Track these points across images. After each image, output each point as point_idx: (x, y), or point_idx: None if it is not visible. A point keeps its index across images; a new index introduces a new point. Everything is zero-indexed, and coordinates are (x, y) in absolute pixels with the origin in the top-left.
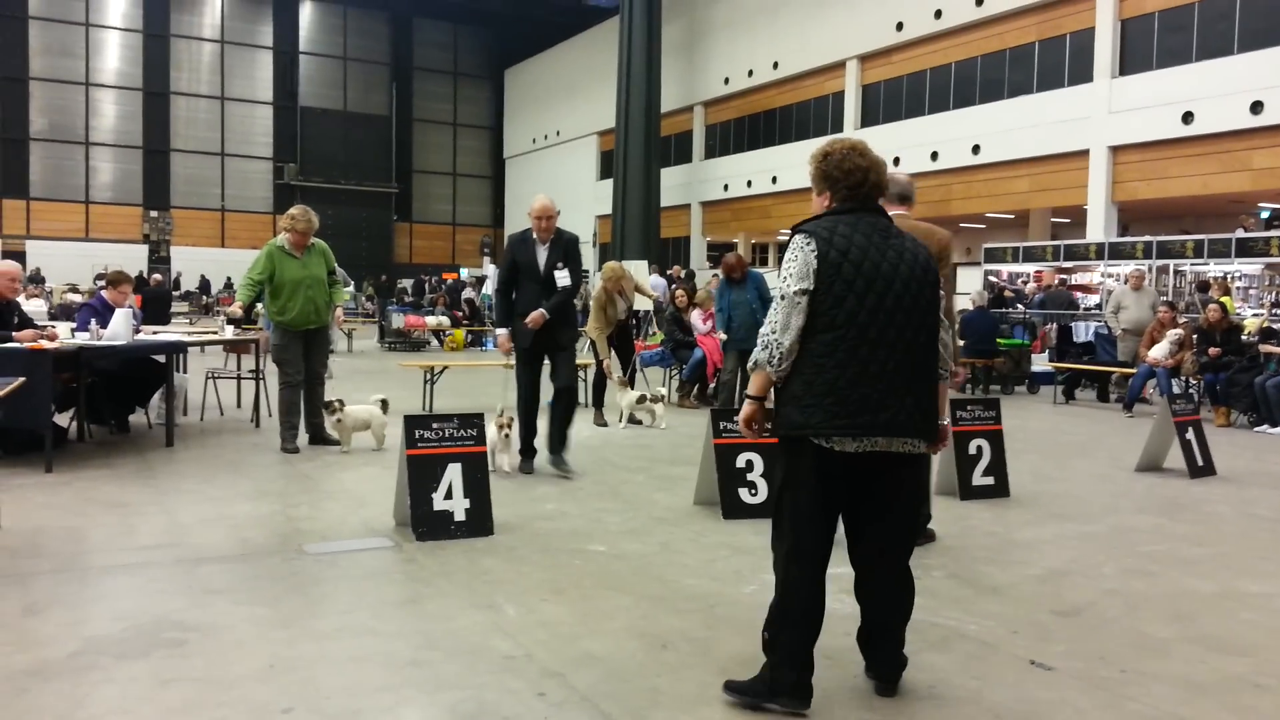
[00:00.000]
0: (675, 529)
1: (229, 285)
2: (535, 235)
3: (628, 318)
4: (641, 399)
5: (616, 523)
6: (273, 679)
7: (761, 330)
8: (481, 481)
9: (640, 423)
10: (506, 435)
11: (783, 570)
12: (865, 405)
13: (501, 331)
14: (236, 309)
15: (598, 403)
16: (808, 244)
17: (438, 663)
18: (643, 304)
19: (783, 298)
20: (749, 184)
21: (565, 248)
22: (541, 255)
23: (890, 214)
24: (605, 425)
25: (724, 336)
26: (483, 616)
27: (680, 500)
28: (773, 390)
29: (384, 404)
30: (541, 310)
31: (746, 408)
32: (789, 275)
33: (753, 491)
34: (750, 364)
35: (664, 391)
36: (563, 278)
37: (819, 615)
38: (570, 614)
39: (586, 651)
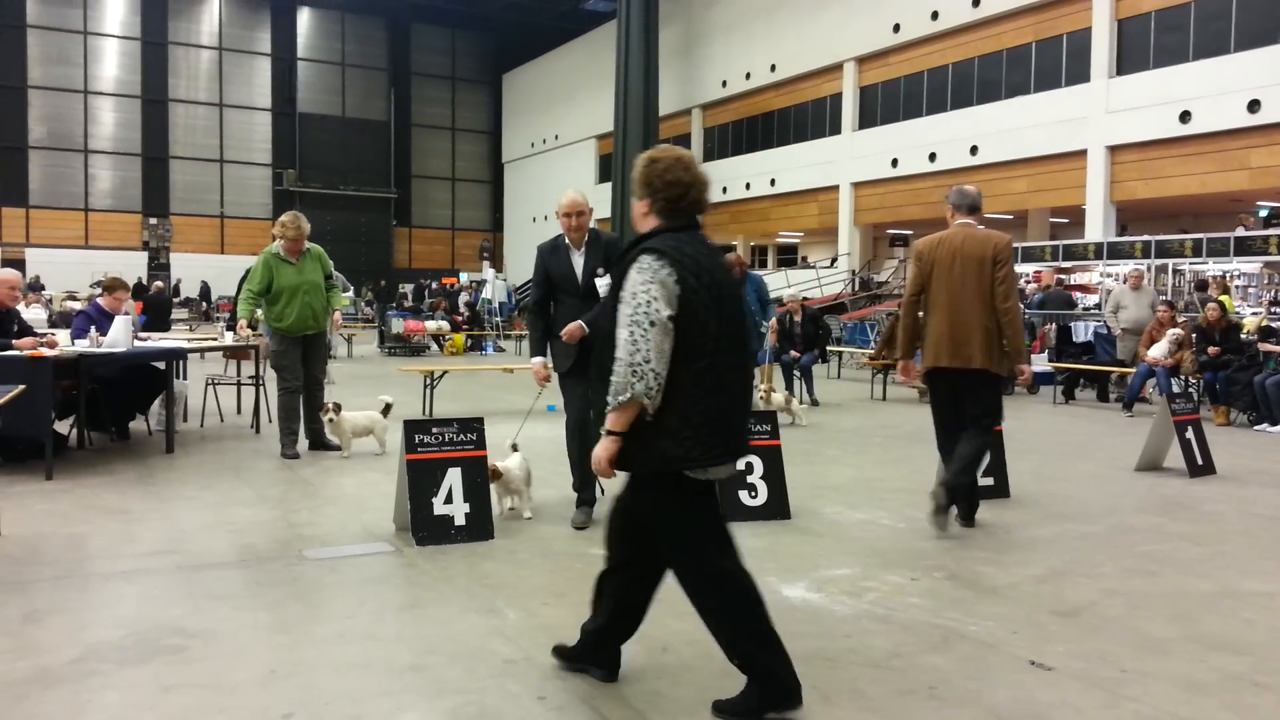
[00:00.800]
0: None
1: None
2: (567, 240)
3: None
4: None
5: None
6: (273, 684)
7: (624, 359)
8: (481, 486)
9: None
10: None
11: (715, 591)
12: (731, 431)
13: (535, 361)
14: (244, 329)
15: None
16: (663, 267)
17: (438, 667)
18: None
19: (652, 324)
20: (747, 186)
21: (605, 250)
22: (578, 263)
23: (959, 223)
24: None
25: None
26: (483, 621)
27: None
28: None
29: (387, 407)
30: (579, 322)
31: (611, 445)
32: (654, 299)
33: (752, 494)
34: (619, 398)
35: None
36: (605, 285)
37: (766, 616)
38: (571, 618)
39: None
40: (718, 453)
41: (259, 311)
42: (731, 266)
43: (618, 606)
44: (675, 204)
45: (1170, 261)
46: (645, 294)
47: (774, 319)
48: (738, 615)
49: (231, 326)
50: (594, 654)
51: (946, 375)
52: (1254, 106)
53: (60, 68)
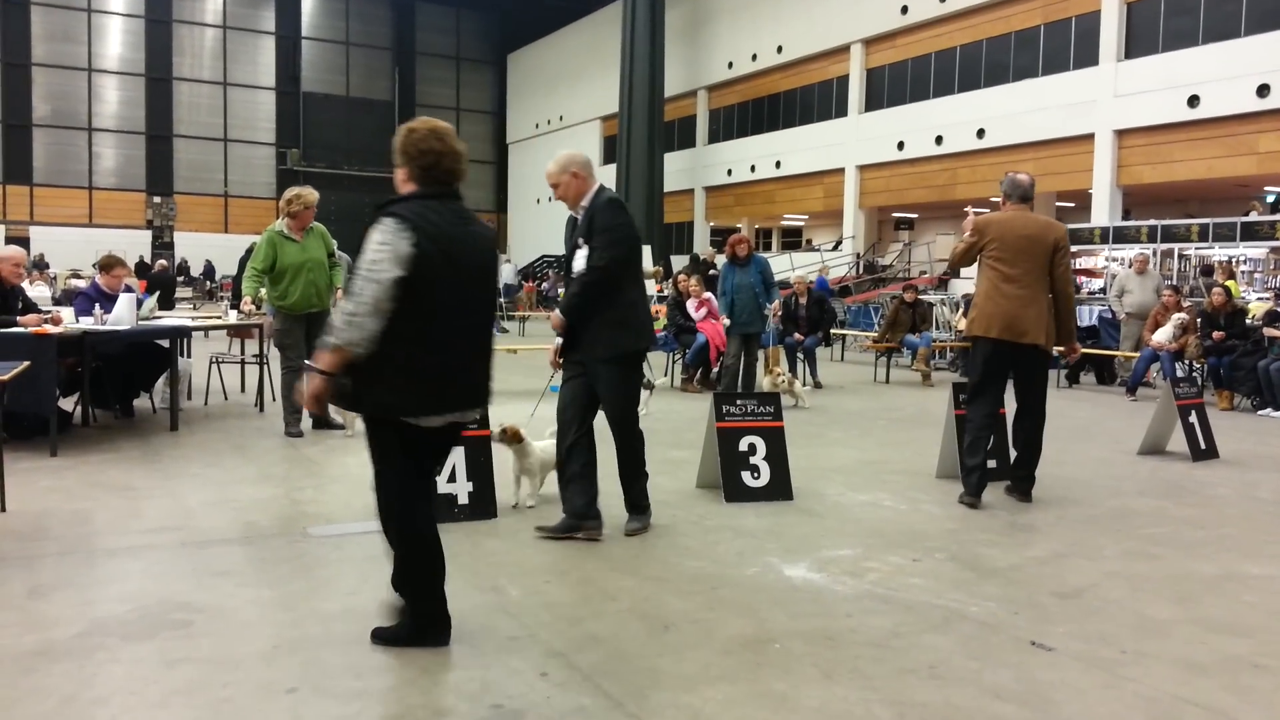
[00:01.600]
0: (677, 512)
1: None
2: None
3: None
4: None
5: (619, 506)
6: (277, 659)
7: (346, 308)
8: (484, 465)
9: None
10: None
11: (397, 529)
12: (450, 385)
13: (555, 342)
14: (248, 307)
15: None
16: (401, 230)
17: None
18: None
19: (376, 281)
20: (753, 169)
21: (591, 217)
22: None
23: (1012, 210)
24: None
25: (728, 321)
26: (486, 598)
27: (683, 484)
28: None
29: None
30: (556, 313)
31: (317, 382)
32: (382, 259)
33: (755, 475)
34: (330, 341)
35: (651, 378)
36: (580, 261)
37: (441, 556)
38: (573, 596)
39: (589, 632)
40: (432, 404)
41: (263, 290)
42: (737, 244)
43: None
44: (429, 171)
45: (1176, 246)
46: (377, 253)
47: (778, 301)
48: (414, 558)
49: (235, 305)
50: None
51: (1001, 349)
52: (1263, 91)
53: (64, 45)
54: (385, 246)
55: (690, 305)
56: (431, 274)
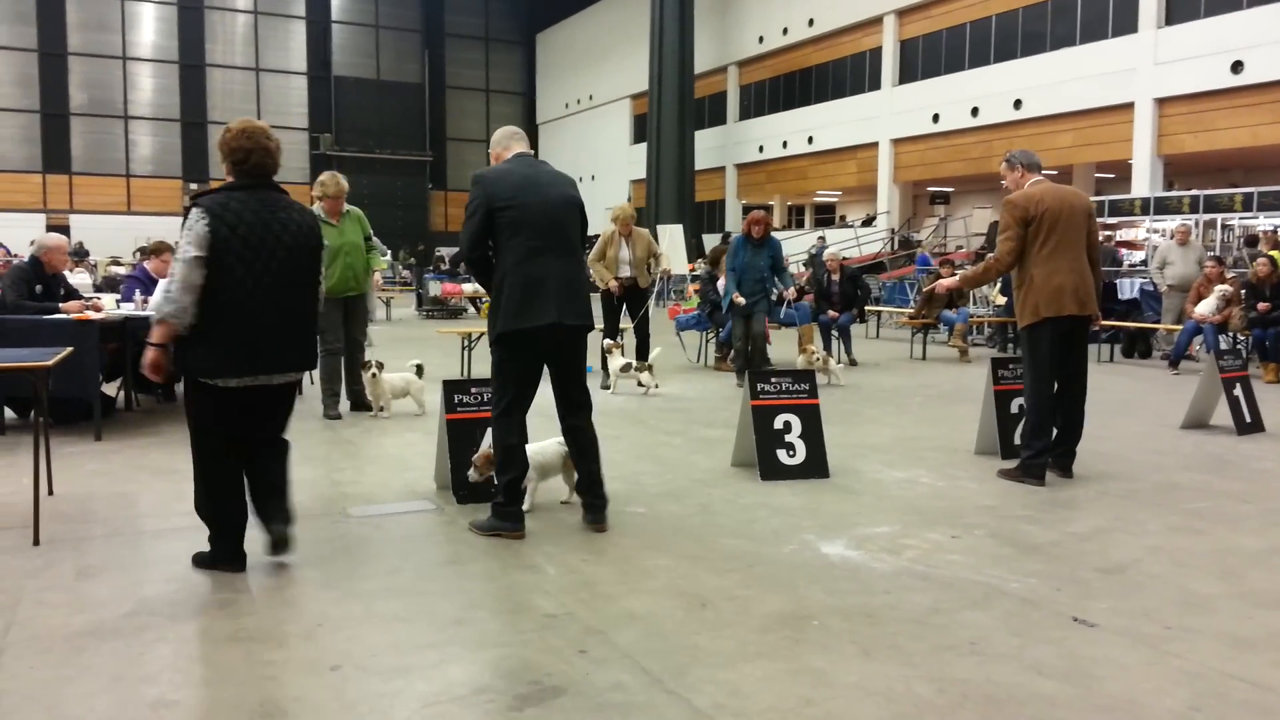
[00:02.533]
0: (713, 490)
1: None
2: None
3: (638, 281)
4: (626, 366)
5: (655, 485)
6: (320, 637)
7: (162, 285)
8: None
9: (643, 387)
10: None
11: (203, 472)
12: (252, 351)
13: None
14: None
15: (605, 366)
16: (202, 218)
17: (481, 621)
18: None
19: (183, 261)
20: (784, 145)
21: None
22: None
23: (1030, 182)
24: (609, 389)
25: (734, 299)
26: (524, 577)
27: (718, 462)
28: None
29: (419, 369)
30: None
31: (152, 354)
32: (189, 243)
33: (790, 453)
34: (153, 315)
35: (654, 356)
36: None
37: (241, 497)
38: (610, 574)
39: (627, 610)
40: (232, 368)
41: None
42: (754, 223)
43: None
44: (239, 166)
45: (1219, 216)
46: (184, 238)
47: (790, 287)
48: (216, 497)
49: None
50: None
51: (1063, 325)
52: None
53: (99, 34)
54: (189, 232)
55: (723, 283)
56: (230, 255)
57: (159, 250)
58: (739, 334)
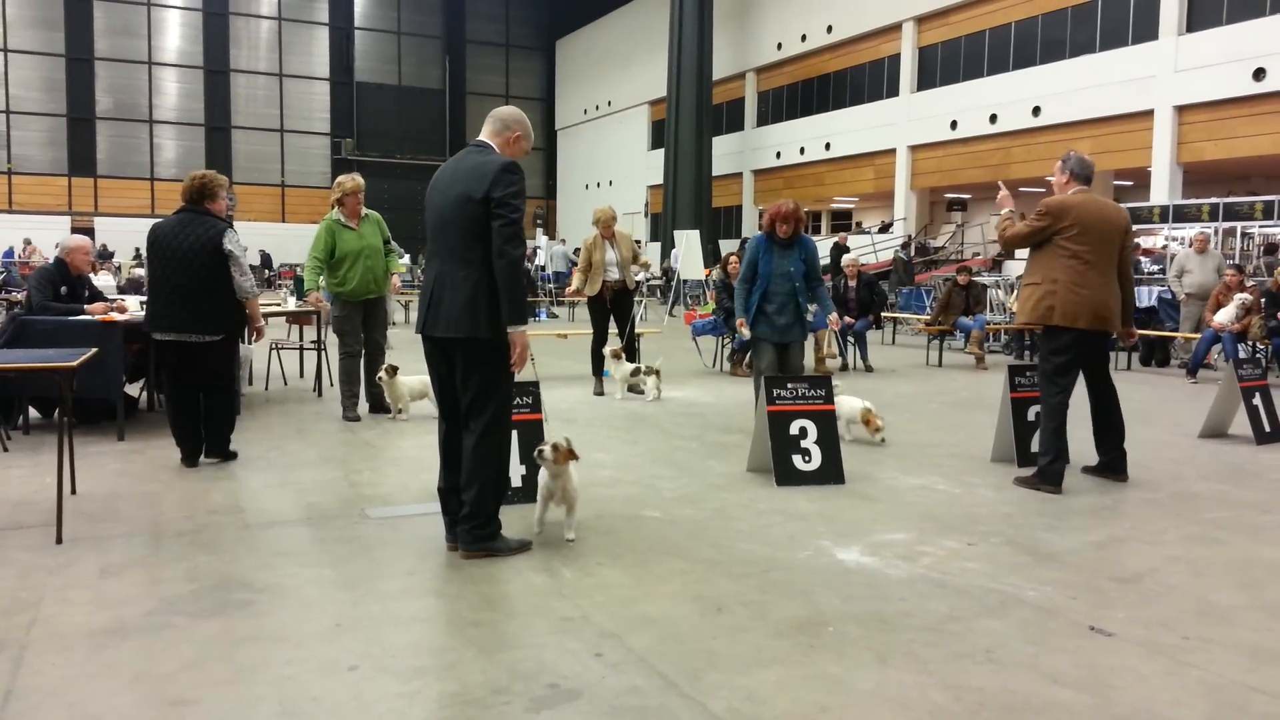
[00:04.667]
0: (729, 495)
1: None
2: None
3: (626, 283)
4: (635, 370)
5: (671, 489)
6: (339, 638)
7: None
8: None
9: (642, 393)
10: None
11: (168, 400)
12: (165, 315)
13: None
14: (316, 301)
15: (597, 371)
16: (147, 233)
17: (498, 623)
18: (644, 274)
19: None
20: (802, 151)
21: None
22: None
23: (1073, 190)
24: (603, 395)
25: (746, 331)
26: (541, 579)
27: (733, 467)
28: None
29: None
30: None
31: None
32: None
33: (806, 458)
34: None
35: (660, 363)
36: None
37: (180, 421)
38: (626, 578)
39: (643, 614)
40: (156, 326)
41: (321, 278)
42: (781, 218)
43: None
44: (185, 196)
45: (1239, 224)
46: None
47: (835, 314)
48: (170, 413)
49: (301, 295)
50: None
51: (1085, 338)
52: None
53: (125, 39)
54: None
55: None
56: (150, 252)
57: None
58: (766, 365)
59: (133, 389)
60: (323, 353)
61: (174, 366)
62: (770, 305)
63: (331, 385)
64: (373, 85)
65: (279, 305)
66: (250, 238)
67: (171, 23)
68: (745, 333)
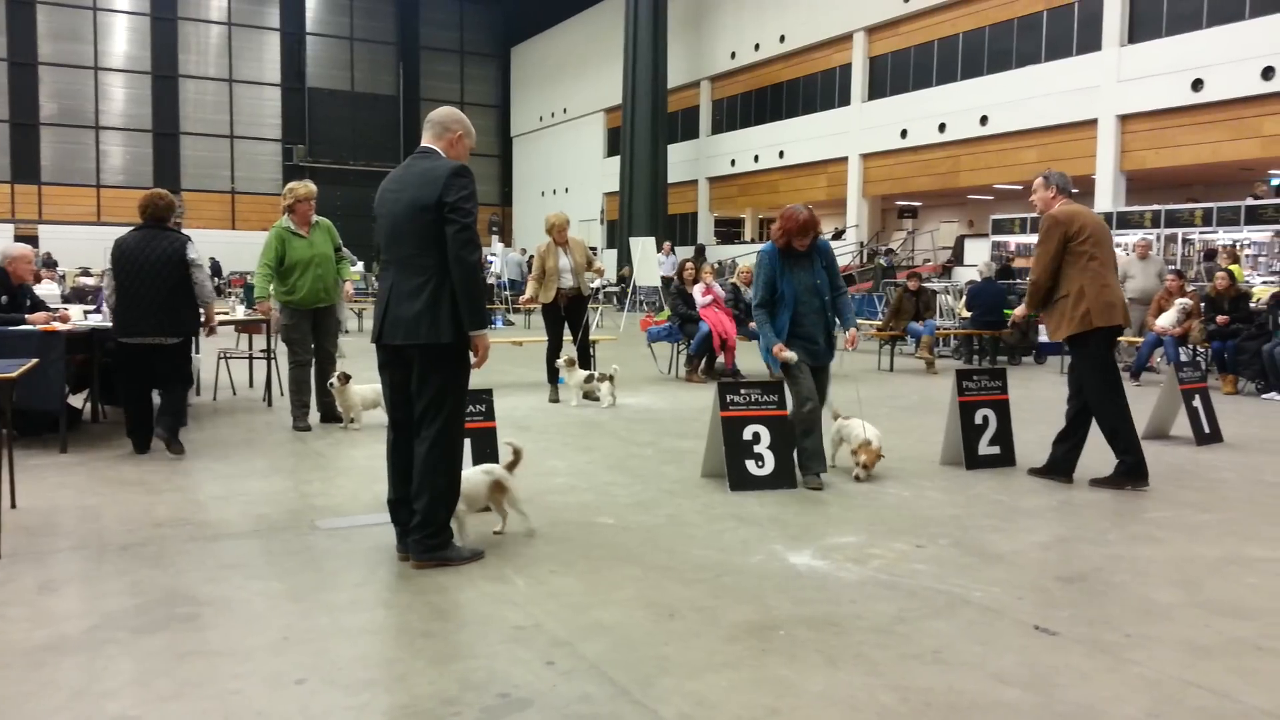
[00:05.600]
0: (683, 501)
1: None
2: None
3: (580, 290)
4: (590, 377)
5: (625, 495)
6: (286, 651)
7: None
8: (490, 457)
9: (598, 400)
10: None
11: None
12: (136, 321)
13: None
14: (268, 310)
15: (552, 378)
16: (112, 248)
17: (449, 633)
18: (599, 281)
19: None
20: (756, 159)
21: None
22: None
23: (1061, 203)
24: (558, 402)
25: (786, 352)
26: (493, 588)
27: (688, 473)
28: None
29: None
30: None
31: None
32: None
33: (759, 463)
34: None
35: (615, 369)
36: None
37: (131, 417)
38: (579, 585)
39: (595, 621)
40: (126, 331)
41: (271, 285)
42: (796, 226)
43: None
44: (142, 214)
45: (1180, 231)
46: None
47: (854, 330)
48: (129, 414)
49: (251, 304)
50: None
51: (1108, 335)
52: (1268, 74)
53: (70, 44)
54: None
55: (697, 290)
56: (118, 265)
57: None
58: (807, 392)
59: (76, 400)
60: (272, 362)
61: (134, 368)
62: (802, 327)
63: (282, 395)
64: (325, 91)
65: (228, 314)
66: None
67: (118, 27)
68: (789, 356)
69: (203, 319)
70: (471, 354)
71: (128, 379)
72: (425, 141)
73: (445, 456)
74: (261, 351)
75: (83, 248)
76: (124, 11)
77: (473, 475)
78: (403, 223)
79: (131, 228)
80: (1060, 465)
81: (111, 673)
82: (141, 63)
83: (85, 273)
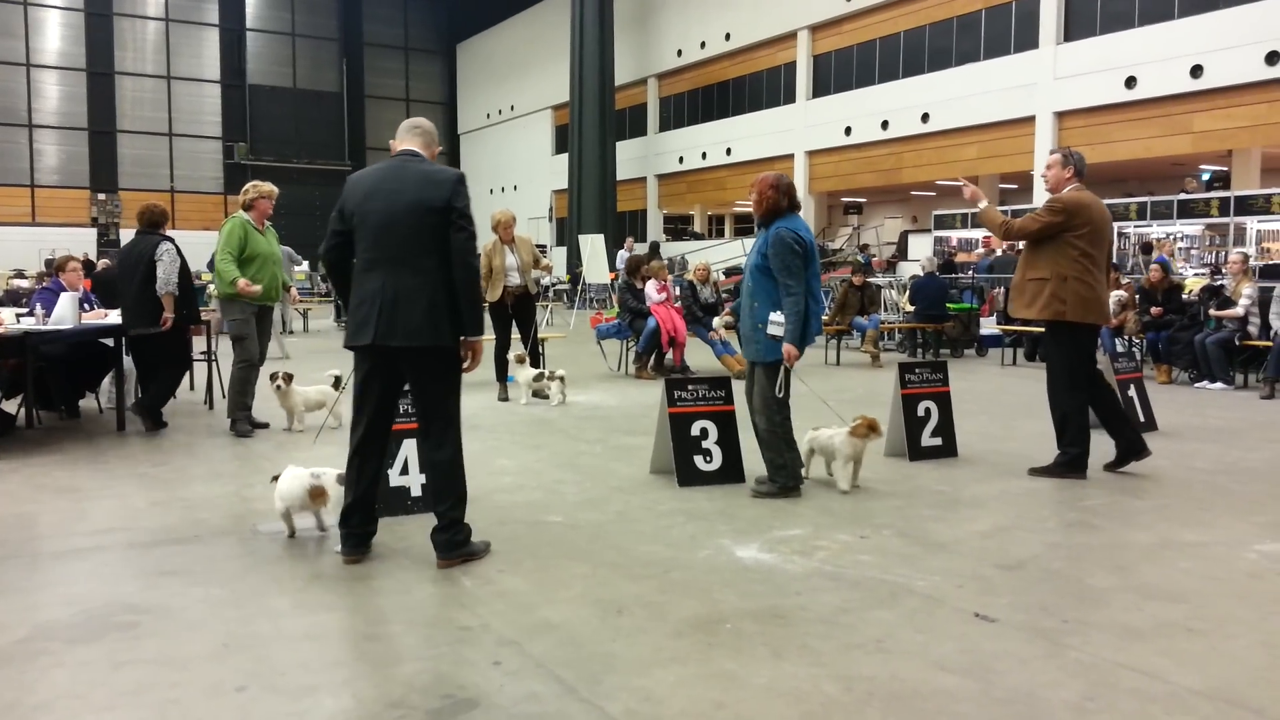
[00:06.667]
0: (632, 498)
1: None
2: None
3: (527, 288)
4: (539, 376)
5: (574, 493)
6: (227, 658)
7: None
8: None
9: (547, 398)
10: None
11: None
12: (125, 318)
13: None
14: (247, 287)
15: (500, 377)
16: (119, 254)
17: (394, 636)
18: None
19: None
20: (704, 156)
21: None
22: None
23: (1072, 186)
24: (507, 400)
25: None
26: (439, 589)
27: (637, 470)
28: None
29: (337, 381)
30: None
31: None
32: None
33: (707, 459)
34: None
35: (562, 373)
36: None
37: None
38: (527, 584)
39: (543, 619)
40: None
41: (211, 286)
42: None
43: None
44: (138, 221)
45: (1116, 225)
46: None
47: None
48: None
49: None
50: None
51: (1086, 331)
52: (1196, 72)
53: (1, 39)
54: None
55: (652, 287)
56: (121, 269)
57: (62, 265)
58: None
59: (9, 405)
60: (213, 364)
61: (138, 356)
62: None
63: (223, 397)
64: (266, 88)
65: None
66: None
67: (51, 23)
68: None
69: (166, 311)
70: (466, 357)
71: (138, 366)
72: (410, 145)
73: (460, 458)
74: (201, 354)
75: (16, 250)
76: (57, 7)
77: (299, 476)
78: (403, 222)
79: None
80: (1133, 446)
81: (44, 685)
82: (76, 59)
83: (20, 275)
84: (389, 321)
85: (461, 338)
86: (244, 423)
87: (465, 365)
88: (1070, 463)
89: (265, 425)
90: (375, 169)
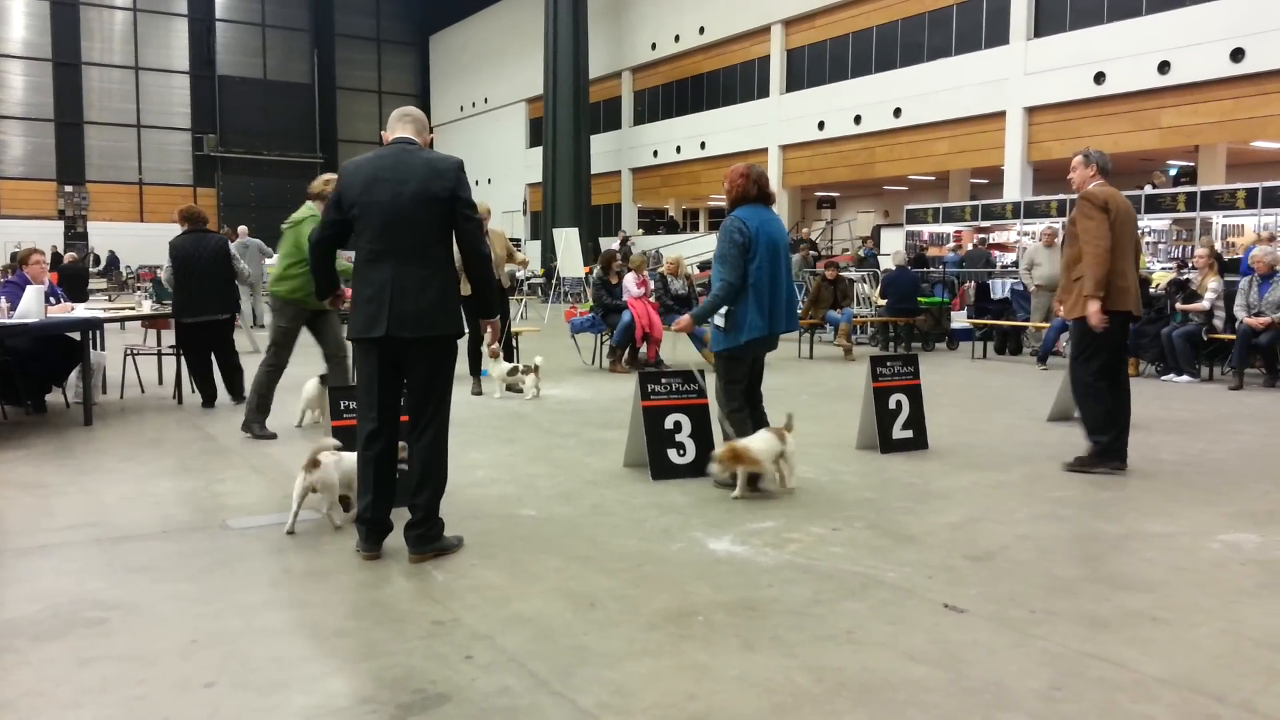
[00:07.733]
0: (605, 491)
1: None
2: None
3: (500, 282)
4: (514, 370)
5: (547, 487)
6: (195, 654)
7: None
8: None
9: (521, 392)
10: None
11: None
12: (190, 304)
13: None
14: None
15: (474, 370)
16: (169, 249)
17: (365, 631)
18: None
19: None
20: (678, 150)
21: None
22: None
23: (1096, 183)
24: (481, 394)
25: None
26: (411, 584)
27: (610, 463)
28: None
29: (323, 378)
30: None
31: None
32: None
33: (681, 452)
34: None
35: (539, 361)
36: None
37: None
38: (500, 577)
39: (515, 613)
40: (184, 313)
41: (266, 282)
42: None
43: None
44: (186, 220)
45: None
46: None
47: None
48: (195, 378)
49: (161, 298)
50: None
51: (1119, 320)
52: (1164, 68)
53: None
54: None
55: (631, 281)
56: (176, 263)
57: (25, 258)
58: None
59: None
60: (181, 358)
61: (194, 341)
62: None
63: (193, 392)
64: (236, 79)
65: (134, 309)
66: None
67: (15, 11)
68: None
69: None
70: (486, 334)
71: (190, 349)
72: (403, 133)
73: (444, 448)
74: (170, 347)
75: None
76: None
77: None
78: (410, 212)
79: (181, 232)
80: (1111, 453)
81: (8, 683)
82: (42, 49)
83: None
84: (401, 313)
85: (480, 320)
86: (259, 425)
87: (487, 340)
88: (1103, 452)
89: (274, 436)
90: (372, 157)
